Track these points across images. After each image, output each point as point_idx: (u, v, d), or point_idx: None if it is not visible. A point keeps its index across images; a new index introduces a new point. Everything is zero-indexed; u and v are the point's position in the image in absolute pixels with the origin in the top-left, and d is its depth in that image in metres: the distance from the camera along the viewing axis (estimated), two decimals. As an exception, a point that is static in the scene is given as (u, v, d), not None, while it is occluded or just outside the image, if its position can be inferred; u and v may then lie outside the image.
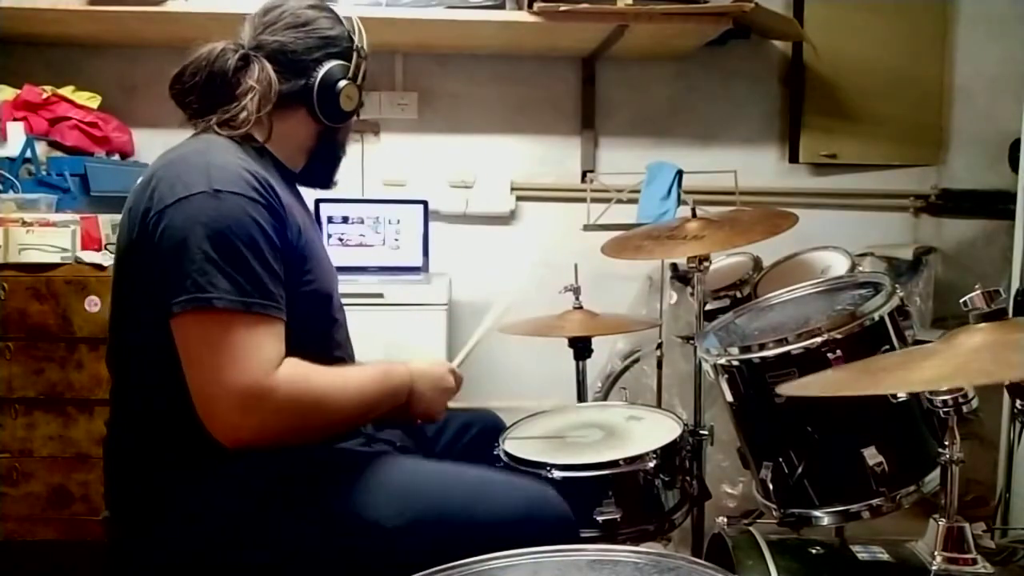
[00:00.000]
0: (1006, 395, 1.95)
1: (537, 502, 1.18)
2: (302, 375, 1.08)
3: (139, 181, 1.16)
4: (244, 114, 1.19)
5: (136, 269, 1.12)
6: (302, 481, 1.13)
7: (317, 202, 2.40)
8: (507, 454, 1.47)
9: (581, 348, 1.95)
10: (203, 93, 1.22)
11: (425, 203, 2.55)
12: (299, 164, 1.32)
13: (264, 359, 1.04)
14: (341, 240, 2.49)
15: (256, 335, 1.05)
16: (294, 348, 1.10)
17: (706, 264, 1.75)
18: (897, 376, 1.02)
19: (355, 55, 1.30)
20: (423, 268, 2.52)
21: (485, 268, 2.72)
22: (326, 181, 1.39)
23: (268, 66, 1.22)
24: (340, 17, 1.31)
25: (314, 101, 1.25)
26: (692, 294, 1.79)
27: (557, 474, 1.39)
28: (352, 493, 1.13)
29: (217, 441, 1.05)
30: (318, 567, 1.10)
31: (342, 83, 1.27)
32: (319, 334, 1.25)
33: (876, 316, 1.32)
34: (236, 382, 1.02)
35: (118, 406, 1.19)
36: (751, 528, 1.38)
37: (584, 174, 2.69)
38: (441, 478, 1.20)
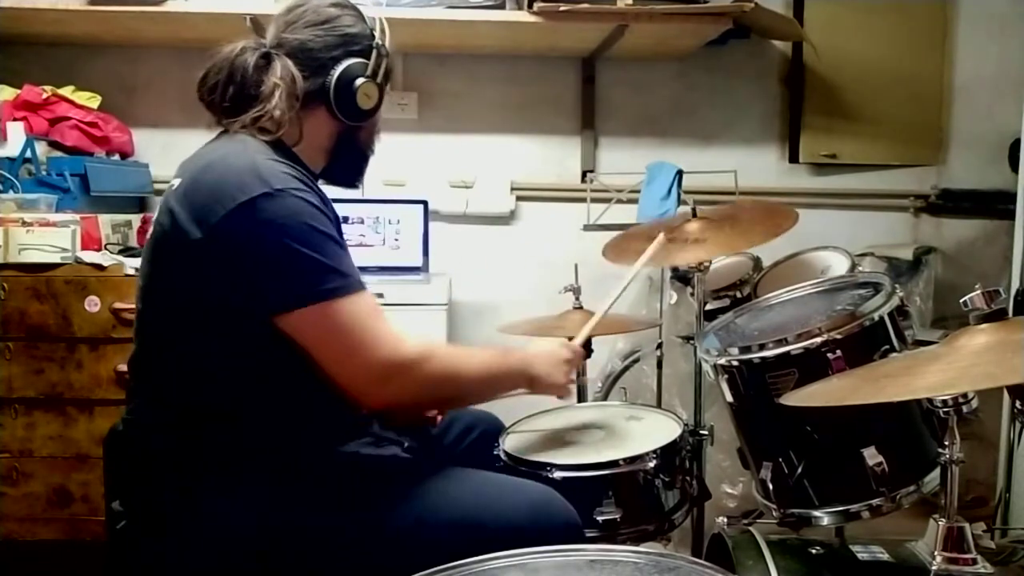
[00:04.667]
0: (1006, 395, 1.95)
1: (543, 507, 1.18)
2: (427, 345, 1.17)
3: (174, 187, 1.16)
4: (279, 113, 1.19)
5: (187, 276, 1.11)
6: (312, 483, 1.14)
7: (317, 202, 2.40)
8: (507, 454, 1.47)
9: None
10: (225, 91, 1.22)
11: (425, 203, 2.55)
12: (320, 165, 1.32)
13: (386, 331, 1.12)
14: (341, 240, 2.49)
15: (369, 312, 1.12)
16: None
17: (706, 264, 1.75)
18: (901, 383, 1.01)
19: (375, 53, 1.29)
20: (423, 268, 2.52)
21: (485, 268, 2.72)
22: (351, 180, 1.40)
23: (290, 63, 1.22)
24: (364, 16, 1.31)
25: (331, 98, 1.25)
26: (692, 294, 1.79)
27: (557, 474, 1.39)
28: (359, 494, 1.14)
29: (244, 441, 1.10)
30: (324, 566, 1.11)
31: (360, 80, 1.26)
32: None
33: (876, 316, 1.32)
34: (374, 358, 1.11)
35: (142, 401, 1.20)
36: (751, 528, 1.38)
37: (584, 174, 2.69)
38: (447, 481, 1.21)
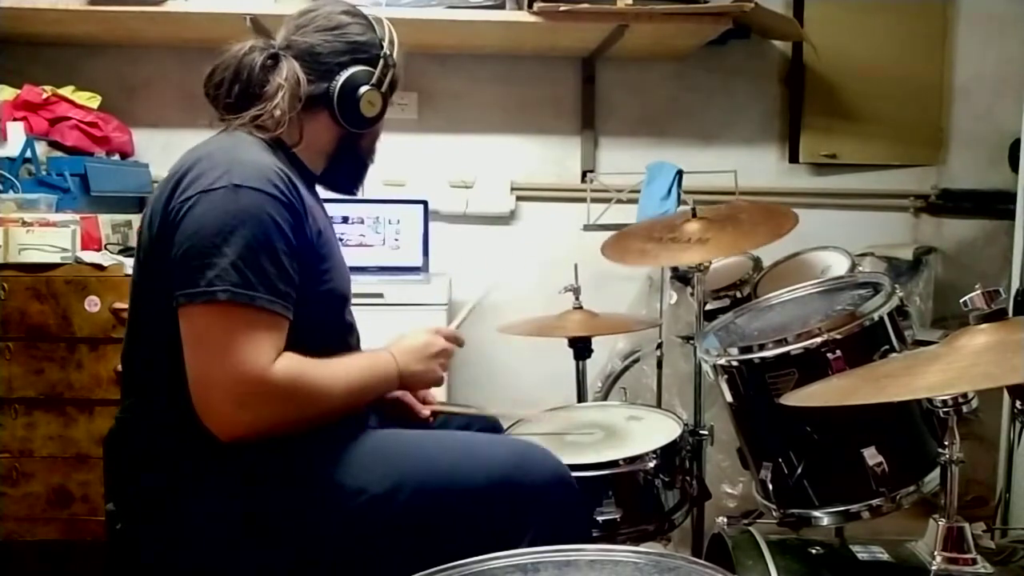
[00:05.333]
0: (1006, 395, 1.95)
1: (524, 456, 1.18)
2: (297, 369, 1.10)
3: (164, 177, 1.17)
4: (279, 113, 1.20)
5: (157, 262, 1.12)
6: (308, 481, 1.13)
7: (317, 202, 2.40)
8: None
9: (581, 348, 1.95)
10: (231, 89, 1.23)
11: (425, 203, 2.55)
12: (319, 168, 1.33)
13: (262, 354, 1.06)
14: (341, 240, 2.47)
15: (258, 330, 1.06)
16: (310, 348, 1.12)
17: (706, 265, 1.75)
18: (901, 383, 1.01)
19: (382, 62, 1.30)
20: (423, 268, 2.52)
21: (485, 268, 2.72)
22: (350, 187, 1.40)
23: (296, 65, 1.23)
24: (374, 25, 1.32)
25: (334, 104, 1.26)
26: (692, 294, 1.79)
27: (557, 474, 1.39)
28: (335, 463, 1.14)
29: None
30: (313, 540, 1.11)
31: (364, 88, 1.27)
32: (334, 334, 1.26)
33: (876, 316, 1.32)
34: (233, 374, 1.04)
35: (135, 399, 1.20)
36: (751, 528, 1.38)
37: (584, 174, 2.69)
38: (425, 441, 1.22)
